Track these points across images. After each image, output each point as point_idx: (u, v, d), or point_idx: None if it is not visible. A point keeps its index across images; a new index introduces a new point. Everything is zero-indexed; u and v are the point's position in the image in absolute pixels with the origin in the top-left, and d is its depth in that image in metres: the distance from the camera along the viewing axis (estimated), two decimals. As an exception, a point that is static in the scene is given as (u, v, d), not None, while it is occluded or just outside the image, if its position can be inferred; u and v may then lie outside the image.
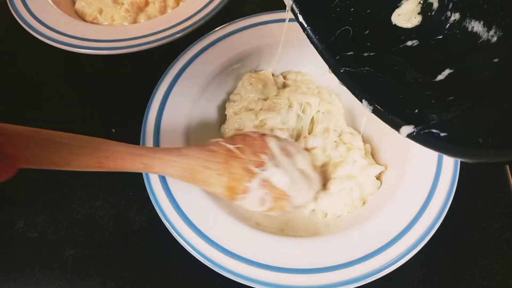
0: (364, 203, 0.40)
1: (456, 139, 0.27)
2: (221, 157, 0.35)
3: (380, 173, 0.41)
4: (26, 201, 0.44)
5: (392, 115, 0.30)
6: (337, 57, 0.33)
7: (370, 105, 0.31)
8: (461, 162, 0.37)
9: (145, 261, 0.40)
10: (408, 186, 0.37)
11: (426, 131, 0.28)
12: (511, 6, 0.28)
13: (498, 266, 0.39)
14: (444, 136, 0.27)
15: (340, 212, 0.39)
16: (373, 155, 0.43)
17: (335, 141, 0.42)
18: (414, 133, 0.28)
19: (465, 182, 0.38)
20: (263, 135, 0.37)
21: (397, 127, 0.30)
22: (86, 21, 0.55)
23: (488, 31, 0.30)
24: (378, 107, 0.31)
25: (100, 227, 0.42)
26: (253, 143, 0.36)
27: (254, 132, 0.38)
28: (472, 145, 0.26)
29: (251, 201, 0.35)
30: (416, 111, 0.29)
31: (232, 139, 0.37)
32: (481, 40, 0.30)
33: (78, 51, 0.49)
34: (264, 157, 0.35)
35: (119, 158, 0.33)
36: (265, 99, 0.45)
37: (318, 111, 0.43)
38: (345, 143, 0.42)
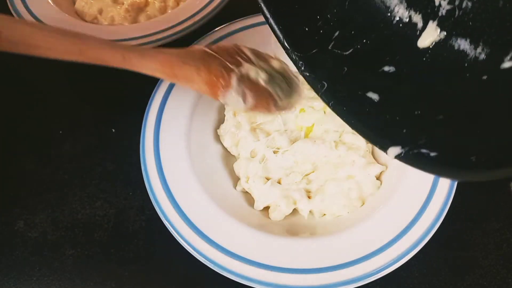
0: (363, 203, 0.40)
1: (448, 159, 0.26)
2: (198, 54, 0.35)
3: (380, 173, 0.41)
4: (26, 201, 0.44)
5: (378, 137, 0.30)
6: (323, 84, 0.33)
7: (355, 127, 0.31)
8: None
9: (145, 261, 0.40)
10: (408, 186, 0.37)
11: (415, 151, 0.27)
12: (496, 22, 0.28)
13: (498, 266, 0.39)
14: (435, 156, 0.26)
15: (339, 212, 0.39)
16: (373, 155, 0.43)
17: (334, 141, 0.42)
18: (402, 154, 0.28)
19: (465, 182, 0.38)
20: (235, 44, 0.37)
21: (384, 148, 0.29)
22: (86, 21, 0.55)
23: (475, 48, 0.29)
24: (364, 128, 0.31)
25: (100, 227, 0.42)
26: (228, 48, 0.36)
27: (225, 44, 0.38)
28: (465, 164, 0.25)
29: (233, 96, 0.35)
30: (404, 130, 0.29)
31: (206, 46, 0.37)
32: (468, 57, 0.30)
33: (78, 51, 0.49)
34: (238, 57, 0.36)
35: (99, 48, 0.34)
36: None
37: (324, 112, 0.43)
38: (345, 143, 0.42)
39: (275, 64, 0.38)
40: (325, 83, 0.32)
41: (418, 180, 0.37)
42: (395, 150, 0.28)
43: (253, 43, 0.46)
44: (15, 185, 0.45)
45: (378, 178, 0.41)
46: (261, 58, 0.37)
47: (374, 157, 0.42)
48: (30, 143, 0.48)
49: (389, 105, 0.31)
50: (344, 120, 0.32)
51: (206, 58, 0.35)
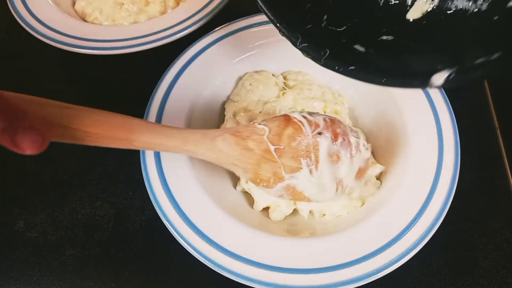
0: (363, 203, 0.40)
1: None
2: (254, 158, 0.33)
3: (380, 173, 0.41)
4: (26, 201, 0.44)
5: (410, 78, 0.28)
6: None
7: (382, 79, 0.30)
8: (460, 163, 0.37)
9: (145, 261, 0.40)
10: (408, 186, 0.37)
11: (467, 66, 0.26)
12: None
13: (498, 266, 0.39)
14: (499, 55, 0.25)
15: (339, 213, 0.39)
16: (374, 155, 0.43)
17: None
18: (453, 75, 0.26)
19: (465, 182, 0.38)
20: (319, 134, 0.33)
21: (424, 79, 0.27)
22: (86, 21, 0.55)
23: (475, 2, 0.29)
24: (387, 77, 0.29)
25: (100, 227, 0.42)
26: (301, 144, 0.32)
27: (311, 123, 0.33)
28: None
29: (269, 192, 0.35)
30: (439, 67, 0.28)
31: (279, 135, 0.33)
32: (469, 12, 0.29)
33: (78, 51, 0.49)
34: (303, 162, 0.32)
35: (149, 147, 0.33)
36: (266, 102, 0.44)
37: (324, 112, 0.43)
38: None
39: (345, 167, 0.33)
40: (327, 50, 0.31)
41: (418, 180, 0.37)
42: (441, 75, 0.26)
43: (254, 43, 0.47)
44: (15, 185, 0.45)
45: (378, 178, 0.41)
46: (334, 159, 0.33)
47: (374, 158, 0.42)
48: (30, 143, 0.48)
49: (404, 58, 0.30)
50: (360, 79, 0.30)
51: (261, 163, 0.33)
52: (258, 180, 0.34)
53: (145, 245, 0.41)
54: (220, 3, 0.52)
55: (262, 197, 0.40)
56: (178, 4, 0.57)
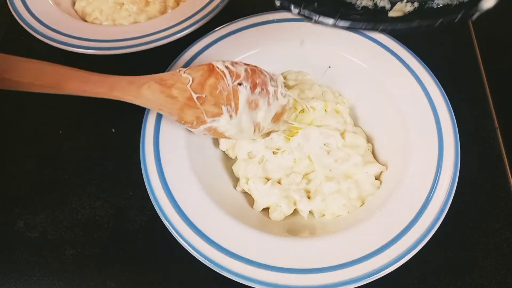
0: (363, 203, 0.40)
1: None
2: (178, 104, 0.36)
3: (380, 173, 0.41)
4: (26, 201, 0.44)
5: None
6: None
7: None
8: (460, 163, 0.37)
9: (145, 261, 0.40)
10: (408, 186, 0.37)
11: None
12: None
13: (498, 266, 0.39)
14: None
15: (339, 212, 0.39)
16: (374, 154, 0.43)
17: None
18: None
19: (465, 182, 0.38)
20: (239, 84, 0.36)
21: (472, 6, 0.28)
22: (86, 21, 0.55)
23: None
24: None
25: (100, 227, 0.42)
26: (222, 93, 0.36)
27: (232, 74, 0.36)
28: None
29: (194, 131, 0.39)
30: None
31: (202, 84, 0.36)
32: (454, 4, 0.30)
33: (78, 51, 0.49)
34: (223, 108, 0.36)
35: (79, 93, 0.36)
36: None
37: (325, 110, 0.44)
38: (345, 141, 0.42)
39: (262, 113, 0.37)
40: (338, 12, 0.32)
41: (418, 180, 0.37)
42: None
43: (254, 43, 0.47)
44: (15, 185, 0.45)
45: (378, 178, 0.41)
46: (252, 106, 0.37)
47: (374, 157, 0.42)
48: (30, 143, 0.48)
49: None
50: (388, 32, 0.31)
51: (185, 109, 0.36)
52: (183, 122, 0.37)
53: (145, 245, 0.41)
54: (220, 3, 0.52)
55: (262, 198, 0.40)
56: (178, 4, 0.57)
